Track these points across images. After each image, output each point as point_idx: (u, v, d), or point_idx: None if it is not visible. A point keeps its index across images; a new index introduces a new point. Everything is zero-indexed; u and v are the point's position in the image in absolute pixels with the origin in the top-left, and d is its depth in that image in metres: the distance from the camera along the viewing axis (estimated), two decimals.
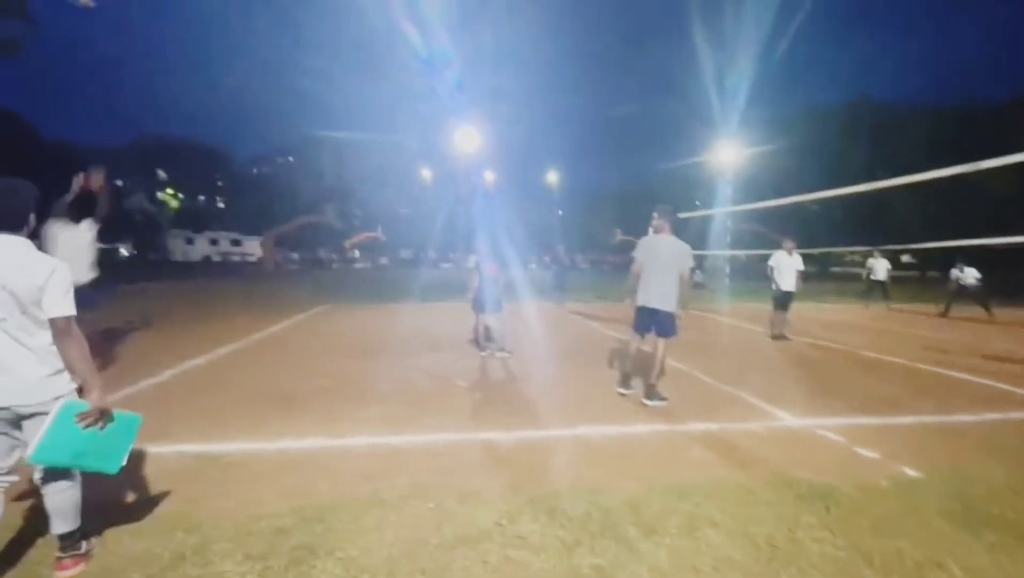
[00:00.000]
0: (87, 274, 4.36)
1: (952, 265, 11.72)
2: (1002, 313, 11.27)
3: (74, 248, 4.21)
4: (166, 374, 4.98)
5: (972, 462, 3.15)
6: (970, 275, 11.09)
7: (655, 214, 4.47)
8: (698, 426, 3.75)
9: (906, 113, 29.32)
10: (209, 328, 7.92)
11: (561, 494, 2.61)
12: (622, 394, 4.47)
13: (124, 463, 1.96)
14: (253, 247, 35.63)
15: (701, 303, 12.87)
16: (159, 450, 3.10)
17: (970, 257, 11.31)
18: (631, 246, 4.66)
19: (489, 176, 35.26)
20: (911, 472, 2.97)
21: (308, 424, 3.63)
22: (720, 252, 21.07)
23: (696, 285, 19.32)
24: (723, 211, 19.30)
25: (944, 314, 11.46)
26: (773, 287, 7.85)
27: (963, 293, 11.29)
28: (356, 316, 10.12)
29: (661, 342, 4.33)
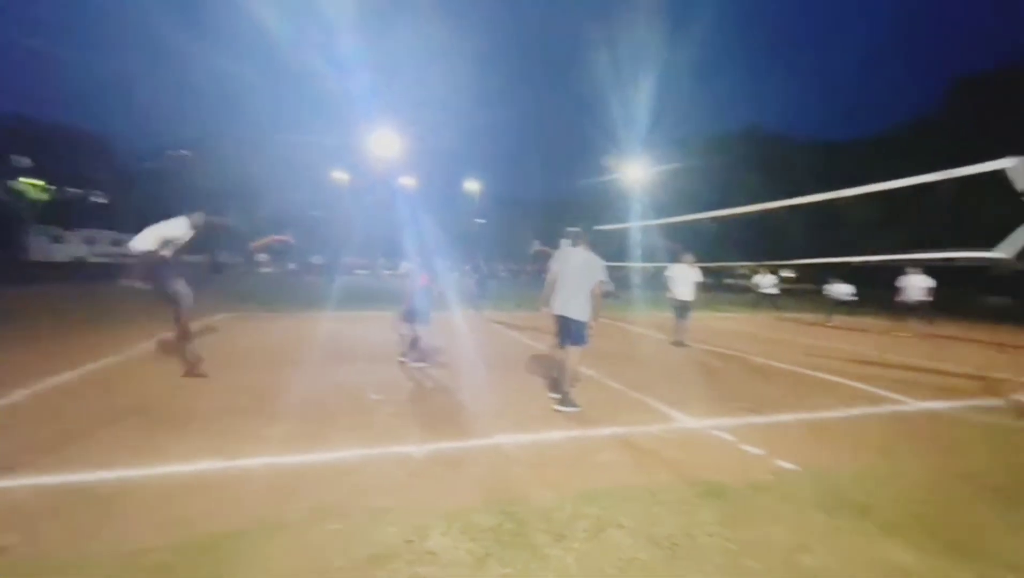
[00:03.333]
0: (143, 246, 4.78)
1: (825, 281, 13.49)
2: (873, 324, 12.99)
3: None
4: (19, 394, 4.30)
5: (839, 454, 3.58)
6: (842, 290, 12.80)
7: (569, 234, 4.74)
8: (607, 431, 3.91)
9: (789, 145, 33.16)
10: (79, 338, 6.97)
11: (474, 506, 2.60)
12: (553, 398, 4.62)
13: None
14: None
15: (612, 312, 13.52)
16: (6, 485, 2.67)
17: (842, 273, 13.07)
18: (548, 257, 4.83)
19: (409, 182, 34.67)
20: (789, 466, 3.31)
21: (201, 445, 3.31)
22: (630, 264, 22.37)
23: (607, 295, 20.31)
24: (632, 225, 20.51)
25: (826, 323, 13.04)
26: (670, 297, 8.46)
27: (839, 305, 12.99)
28: (260, 325, 9.43)
29: (573, 350, 4.50)
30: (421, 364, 5.95)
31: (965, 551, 2.35)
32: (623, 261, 21.75)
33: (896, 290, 11.54)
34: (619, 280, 23.40)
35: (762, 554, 2.26)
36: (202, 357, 5.28)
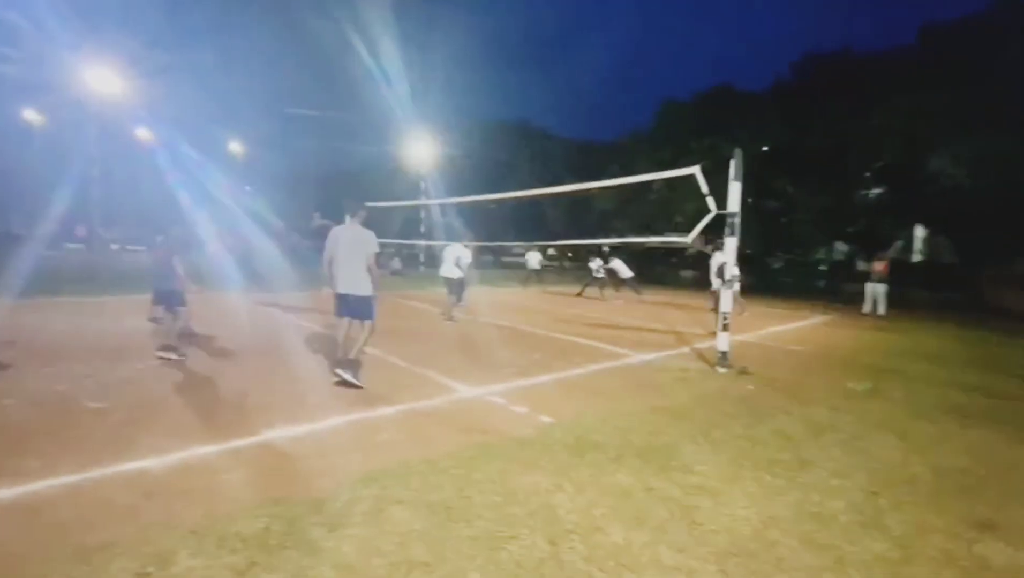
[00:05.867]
0: None
1: (585, 259, 16.04)
2: (613, 295, 15.78)
3: None
4: None
5: (583, 404, 4.30)
6: (599, 266, 15.34)
7: (347, 209, 4.63)
8: (389, 409, 3.91)
9: (550, 139, 37.58)
10: None
11: (234, 515, 2.30)
12: (337, 374, 4.42)
13: None
14: None
15: (397, 289, 13.47)
16: None
17: (598, 254, 15.71)
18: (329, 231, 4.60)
19: (146, 135, 28.12)
20: (547, 419, 3.84)
21: None
22: (416, 241, 22.61)
23: (393, 272, 20.17)
24: (417, 204, 20.66)
25: (579, 295, 15.34)
26: (442, 274, 8.78)
27: (595, 280, 15.54)
28: None
29: (358, 325, 4.48)
30: (173, 356, 4.99)
31: (663, 465, 3.10)
32: (410, 239, 21.81)
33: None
34: (405, 258, 23.45)
35: (525, 500, 2.59)
36: None
